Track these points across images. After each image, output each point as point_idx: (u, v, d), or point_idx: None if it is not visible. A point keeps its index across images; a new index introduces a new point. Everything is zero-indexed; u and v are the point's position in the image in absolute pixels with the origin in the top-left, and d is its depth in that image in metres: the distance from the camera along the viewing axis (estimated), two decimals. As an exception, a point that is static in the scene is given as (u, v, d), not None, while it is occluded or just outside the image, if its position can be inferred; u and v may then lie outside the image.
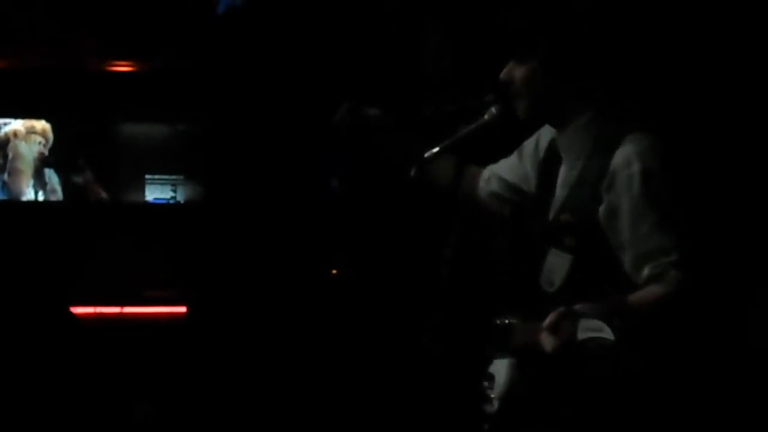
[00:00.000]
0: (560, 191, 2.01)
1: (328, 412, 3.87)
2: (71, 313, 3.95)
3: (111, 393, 3.68)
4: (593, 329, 1.75)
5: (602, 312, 1.77)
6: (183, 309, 4.66)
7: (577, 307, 1.78)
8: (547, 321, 1.78)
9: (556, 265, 1.96)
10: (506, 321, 1.95)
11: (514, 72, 1.97)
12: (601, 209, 1.89)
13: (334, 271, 4.45)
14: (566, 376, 1.87)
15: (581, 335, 1.75)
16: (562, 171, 2.02)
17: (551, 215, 2.01)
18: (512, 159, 2.22)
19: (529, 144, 2.18)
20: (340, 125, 2.26)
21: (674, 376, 1.92)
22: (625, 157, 1.87)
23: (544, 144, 2.12)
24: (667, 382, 1.91)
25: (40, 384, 3.57)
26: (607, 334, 1.74)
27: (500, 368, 1.95)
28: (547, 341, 1.78)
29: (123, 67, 4.96)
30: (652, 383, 1.89)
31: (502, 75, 1.99)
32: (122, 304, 4.59)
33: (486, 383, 1.97)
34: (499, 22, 2.03)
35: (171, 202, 5.06)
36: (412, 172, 2.04)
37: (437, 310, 2.09)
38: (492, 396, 1.95)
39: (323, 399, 3.95)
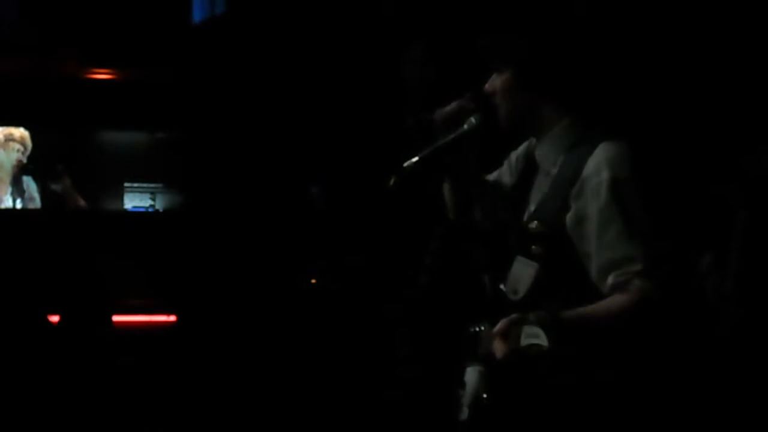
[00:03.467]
0: (533, 199, 2.02)
1: (309, 417, 3.89)
2: (49, 321, 3.93)
3: (95, 400, 3.66)
4: (531, 335, 1.75)
5: (546, 319, 1.76)
6: (156, 318, 4.65)
7: (531, 314, 1.78)
8: (497, 327, 1.80)
9: (522, 273, 1.95)
10: (477, 329, 1.97)
11: (496, 83, 2.00)
12: (569, 216, 1.89)
13: (313, 281, 4.46)
14: (517, 384, 1.87)
15: (523, 341, 1.75)
16: (537, 179, 2.03)
17: (521, 223, 2.02)
18: (498, 171, 2.21)
19: (513, 155, 2.18)
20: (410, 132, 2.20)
21: (643, 386, 1.91)
22: (595, 165, 1.87)
23: (524, 154, 2.14)
24: (635, 391, 1.90)
25: (19, 394, 3.54)
26: (542, 340, 1.73)
27: (471, 376, 1.95)
28: (498, 348, 1.80)
29: (102, 75, 4.95)
30: (620, 393, 1.88)
31: (487, 86, 2.01)
32: (99, 313, 4.56)
33: (461, 391, 1.98)
34: (478, 38, 2.04)
35: (150, 210, 5.05)
36: (392, 182, 2.02)
37: (412, 330, 2.08)
38: (463, 403, 1.96)
39: (305, 402, 3.96)
